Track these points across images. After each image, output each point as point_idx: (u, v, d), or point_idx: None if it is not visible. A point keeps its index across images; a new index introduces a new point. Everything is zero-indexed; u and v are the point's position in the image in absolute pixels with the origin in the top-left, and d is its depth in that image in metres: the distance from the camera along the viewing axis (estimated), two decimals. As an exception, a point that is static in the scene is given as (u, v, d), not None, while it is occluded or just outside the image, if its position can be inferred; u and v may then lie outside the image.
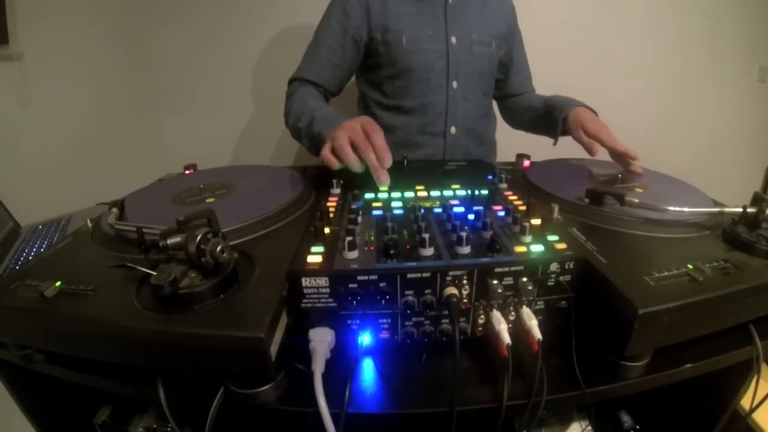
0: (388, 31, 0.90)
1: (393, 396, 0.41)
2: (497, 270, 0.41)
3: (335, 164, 0.62)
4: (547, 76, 1.13)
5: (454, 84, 0.95)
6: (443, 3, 0.93)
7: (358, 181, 0.62)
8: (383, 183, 0.60)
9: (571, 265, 0.43)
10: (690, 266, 0.42)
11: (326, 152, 0.62)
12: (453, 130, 0.97)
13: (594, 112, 0.84)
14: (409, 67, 0.92)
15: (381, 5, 0.90)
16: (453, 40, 0.93)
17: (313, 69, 0.92)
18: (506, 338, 0.40)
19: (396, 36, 0.90)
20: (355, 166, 0.60)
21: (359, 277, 0.40)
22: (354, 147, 0.60)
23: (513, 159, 0.85)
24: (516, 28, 1.05)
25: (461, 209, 0.55)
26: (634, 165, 0.72)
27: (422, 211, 0.53)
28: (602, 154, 0.84)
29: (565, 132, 0.86)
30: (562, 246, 0.44)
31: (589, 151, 0.76)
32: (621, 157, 0.73)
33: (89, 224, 0.58)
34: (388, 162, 0.59)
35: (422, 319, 0.43)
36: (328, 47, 0.91)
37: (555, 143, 0.90)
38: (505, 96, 1.10)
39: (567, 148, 0.87)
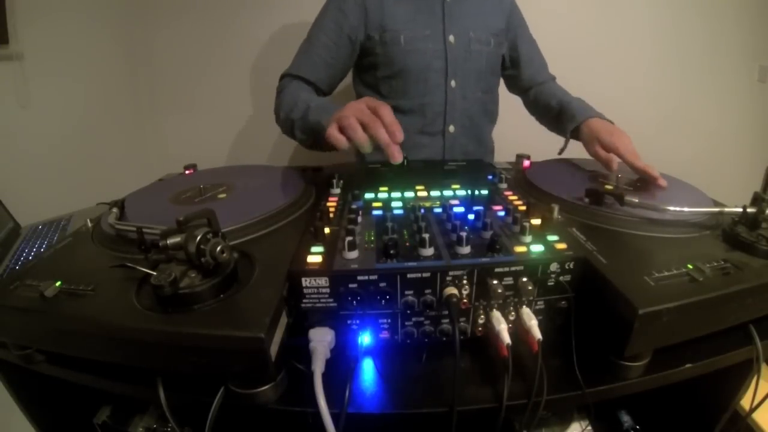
0: (385, 30, 0.90)
1: (393, 396, 0.41)
2: (497, 270, 0.41)
3: (344, 143, 0.58)
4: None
5: (453, 83, 0.94)
6: (441, 1, 0.92)
7: (357, 181, 0.62)
8: (397, 159, 0.57)
9: (571, 265, 0.43)
10: (690, 266, 0.42)
11: (333, 131, 0.58)
12: (452, 129, 0.97)
13: (610, 122, 0.81)
14: (406, 68, 0.91)
15: (378, 4, 0.89)
16: (451, 38, 0.92)
17: (306, 66, 0.91)
18: (506, 338, 0.40)
19: (393, 36, 0.90)
20: (365, 144, 0.58)
21: (359, 277, 0.40)
22: (363, 126, 0.57)
23: (513, 159, 0.85)
24: (518, 20, 1.03)
25: (461, 209, 0.55)
26: (659, 180, 0.65)
27: (422, 211, 0.53)
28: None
29: (577, 139, 0.83)
30: (562, 246, 0.44)
31: (608, 166, 0.71)
32: (641, 174, 0.67)
33: (89, 224, 0.58)
34: (400, 137, 0.57)
35: (422, 319, 0.43)
36: (321, 45, 0.90)
37: (560, 152, 0.87)
38: (525, 89, 1.06)
39: (568, 148, 0.87)
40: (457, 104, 0.96)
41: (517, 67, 1.04)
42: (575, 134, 0.84)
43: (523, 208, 0.54)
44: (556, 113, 0.91)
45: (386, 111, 0.57)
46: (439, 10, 0.92)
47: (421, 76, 0.92)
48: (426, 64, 0.92)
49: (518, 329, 0.43)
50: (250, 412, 0.39)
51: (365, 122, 0.57)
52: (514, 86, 1.08)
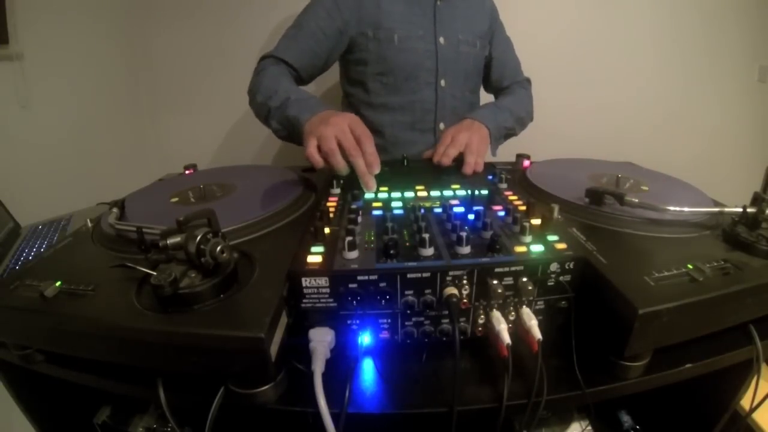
0: (380, 28, 0.90)
1: (393, 396, 0.41)
2: (497, 270, 0.41)
3: (320, 164, 0.61)
4: (548, 78, 1.13)
5: (442, 82, 0.96)
6: (432, 3, 0.93)
7: (358, 182, 0.62)
8: (370, 189, 0.60)
9: (571, 265, 0.43)
10: (690, 266, 0.42)
11: (312, 150, 0.60)
12: (442, 126, 0.98)
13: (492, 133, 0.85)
14: (398, 66, 0.92)
15: (374, 2, 0.90)
16: (441, 40, 0.94)
17: (292, 51, 0.88)
18: (506, 338, 0.40)
19: (388, 34, 0.90)
20: (342, 170, 0.60)
21: (359, 277, 0.40)
22: (341, 148, 0.59)
23: (513, 159, 0.85)
24: (497, 23, 1.04)
25: (461, 209, 0.55)
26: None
27: (422, 211, 0.53)
28: (603, 154, 0.84)
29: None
30: (562, 246, 0.44)
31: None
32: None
33: (89, 224, 0.58)
34: (377, 169, 0.60)
35: (422, 319, 0.43)
36: (310, 33, 0.89)
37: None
38: (494, 91, 1.09)
39: (567, 148, 0.87)
40: (447, 103, 0.97)
41: (489, 68, 1.05)
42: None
43: (523, 208, 0.54)
44: None
45: (369, 142, 0.60)
46: (431, 12, 0.93)
47: (412, 74, 0.93)
48: (418, 63, 0.93)
49: (518, 329, 0.43)
50: (250, 412, 0.39)
51: (346, 148, 0.59)
52: (486, 87, 1.10)
